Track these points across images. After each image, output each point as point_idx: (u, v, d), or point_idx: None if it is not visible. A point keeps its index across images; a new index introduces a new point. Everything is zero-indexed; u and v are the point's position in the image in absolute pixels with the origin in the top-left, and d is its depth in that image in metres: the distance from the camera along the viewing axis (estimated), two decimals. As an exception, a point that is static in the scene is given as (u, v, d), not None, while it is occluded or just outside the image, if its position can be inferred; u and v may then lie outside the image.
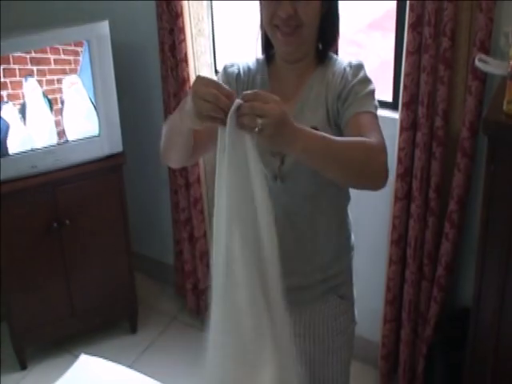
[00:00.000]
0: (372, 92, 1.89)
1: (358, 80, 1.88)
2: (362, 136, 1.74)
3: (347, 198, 2.11)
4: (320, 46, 1.97)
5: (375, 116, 1.87)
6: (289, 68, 1.97)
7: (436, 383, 2.92)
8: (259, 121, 1.49)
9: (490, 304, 2.36)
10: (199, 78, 1.59)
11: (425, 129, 2.66)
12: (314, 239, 2.07)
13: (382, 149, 1.75)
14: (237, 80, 1.99)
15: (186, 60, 3.20)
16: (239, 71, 2.01)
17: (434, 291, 2.91)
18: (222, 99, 1.53)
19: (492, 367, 2.42)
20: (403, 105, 2.68)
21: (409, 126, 2.70)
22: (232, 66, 2.03)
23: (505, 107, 2.12)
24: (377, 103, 1.90)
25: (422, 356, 3.04)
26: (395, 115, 2.81)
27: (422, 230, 2.86)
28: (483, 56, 2.40)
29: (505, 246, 2.24)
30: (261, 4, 1.91)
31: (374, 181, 1.76)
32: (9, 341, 3.58)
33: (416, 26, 2.56)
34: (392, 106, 2.93)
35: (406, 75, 2.63)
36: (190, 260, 3.71)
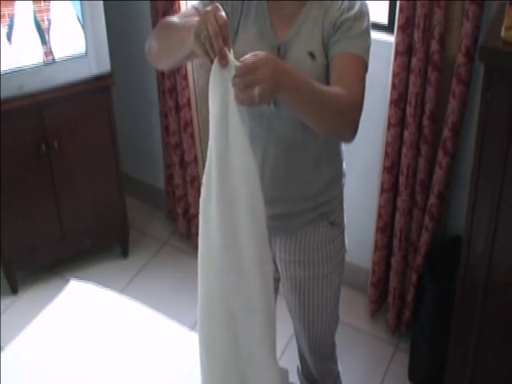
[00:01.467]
0: (365, 30, 1.84)
1: (354, 14, 1.83)
2: (341, 84, 1.75)
3: None
4: None
5: (362, 61, 1.84)
6: None
7: (426, 312, 2.92)
8: (256, 91, 1.51)
9: (482, 232, 2.32)
10: (216, 8, 1.56)
11: (420, 53, 2.58)
12: (306, 167, 2.05)
13: (356, 107, 1.77)
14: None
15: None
16: None
17: (426, 220, 2.88)
18: (218, 41, 1.53)
19: (483, 296, 2.40)
20: (398, 28, 2.60)
21: (404, 51, 2.62)
22: None
23: (503, 33, 2.03)
24: (369, 42, 1.86)
25: (412, 284, 3.03)
26: (390, 38, 2.73)
27: (414, 158, 2.81)
28: (482, -22, 2.31)
29: (498, 174, 2.19)
30: None
31: (342, 136, 1.84)
32: (-1, 265, 3.58)
33: None
34: (387, 28, 2.84)
35: (401, -1, 2.55)
36: (181, 184, 3.68)
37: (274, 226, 2.02)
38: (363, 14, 1.85)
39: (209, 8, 1.56)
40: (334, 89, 1.74)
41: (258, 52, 1.54)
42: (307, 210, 2.11)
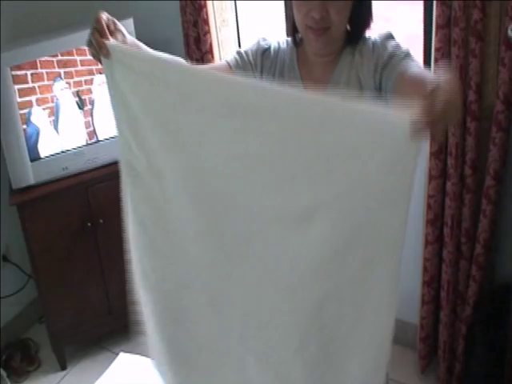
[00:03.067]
0: (409, 53, 1.86)
1: (392, 47, 1.86)
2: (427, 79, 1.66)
3: None
4: (349, 28, 1.93)
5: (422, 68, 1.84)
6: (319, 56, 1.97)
7: (477, 364, 2.90)
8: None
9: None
10: (99, 15, 1.70)
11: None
12: None
13: None
14: (263, 54, 2.00)
15: (211, 51, 3.22)
16: (269, 47, 2.01)
17: (473, 270, 2.88)
18: (95, 36, 1.66)
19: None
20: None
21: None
22: (264, 40, 2.04)
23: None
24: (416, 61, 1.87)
25: (462, 337, 3.02)
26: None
27: (458, 208, 2.84)
28: (516, 25, 2.39)
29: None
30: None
31: None
32: (48, 342, 3.61)
33: (445, -2, 2.55)
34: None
35: (436, 50, 2.62)
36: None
37: None
38: (399, 44, 1.87)
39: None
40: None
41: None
42: None
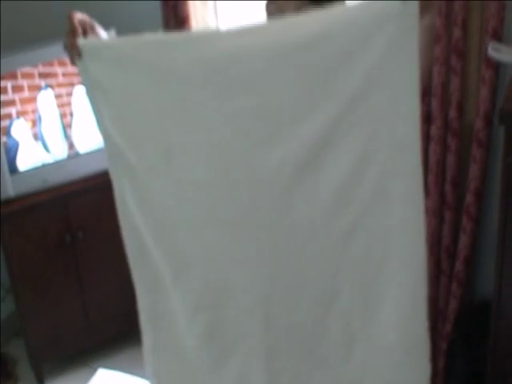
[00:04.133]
0: None
1: None
2: None
3: None
4: None
5: None
6: None
7: (457, 380, 2.90)
8: None
9: (510, 297, 2.34)
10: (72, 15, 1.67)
11: (439, 121, 2.66)
12: None
13: None
14: None
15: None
16: None
17: (453, 286, 2.89)
18: (68, 38, 1.64)
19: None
20: (416, 98, 2.68)
21: (423, 119, 2.68)
22: None
23: (522, 96, 2.12)
24: None
25: (443, 353, 3.01)
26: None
27: (438, 225, 2.84)
28: (496, 44, 2.40)
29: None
30: None
31: None
32: (25, 357, 3.58)
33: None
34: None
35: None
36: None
37: None
38: None
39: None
40: None
41: None
42: None
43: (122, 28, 3.26)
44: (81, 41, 1.64)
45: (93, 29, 1.69)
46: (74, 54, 1.65)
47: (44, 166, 3.23)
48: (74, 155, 3.28)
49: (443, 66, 2.58)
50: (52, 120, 3.18)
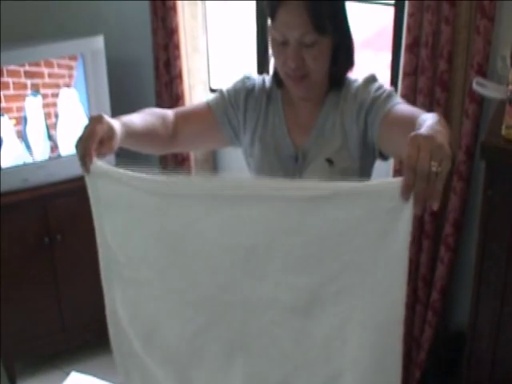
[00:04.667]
0: (391, 93, 1.80)
1: (374, 90, 1.80)
2: (415, 118, 1.58)
3: None
4: (334, 71, 1.87)
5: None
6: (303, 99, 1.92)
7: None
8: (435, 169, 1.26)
9: (485, 329, 2.33)
10: (98, 118, 1.60)
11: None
12: None
13: None
14: (247, 95, 1.95)
15: (180, 77, 3.19)
16: (254, 87, 1.96)
17: (429, 315, 2.87)
18: (84, 147, 1.57)
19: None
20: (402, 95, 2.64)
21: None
22: (248, 79, 1.98)
23: (503, 132, 2.09)
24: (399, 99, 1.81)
25: (416, 381, 2.99)
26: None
27: (416, 253, 2.82)
28: (481, 79, 2.38)
29: (501, 271, 2.21)
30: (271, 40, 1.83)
31: None
32: (-3, 356, 3.55)
33: (413, 47, 2.54)
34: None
35: (402, 96, 2.57)
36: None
37: None
38: (382, 86, 1.83)
39: (94, 116, 1.60)
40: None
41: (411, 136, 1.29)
42: None
43: (111, 36, 3.25)
44: (94, 163, 1.59)
45: (111, 139, 1.62)
46: (88, 161, 1.58)
47: (25, 166, 3.20)
48: (56, 157, 3.24)
49: (427, 98, 2.56)
50: (36, 120, 3.15)
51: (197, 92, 3.30)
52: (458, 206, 2.64)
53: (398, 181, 1.28)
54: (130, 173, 1.57)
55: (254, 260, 1.50)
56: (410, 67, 2.55)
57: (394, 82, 2.81)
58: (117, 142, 1.64)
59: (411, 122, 1.54)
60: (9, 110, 3.09)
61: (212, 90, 3.42)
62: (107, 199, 1.64)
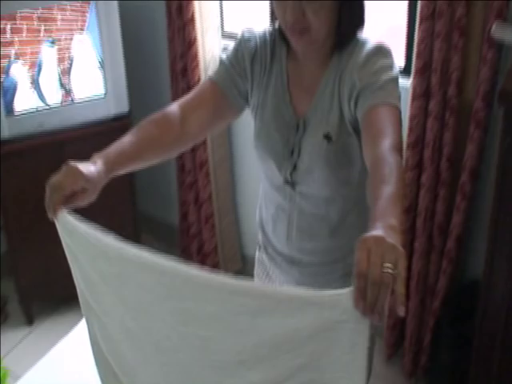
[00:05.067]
0: (392, 80, 1.68)
1: (374, 70, 1.68)
2: (376, 144, 1.53)
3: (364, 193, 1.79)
4: (340, 29, 1.74)
5: (395, 108, 1.64)
6: (306, 58, 1.82)
7: (443, 357, 2.88)
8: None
9: (500, 278, 2.31)
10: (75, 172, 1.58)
11: (438, 98, 2.57)
12: (332, 235, 1.95)
13: (400, 158, 1.51)
14: (252, 60, 1.85)
15: (192, 21, 3.14)
16: (256, 49, 1.85)
17: (444, 264, 2.84)
18: (53, 197, 1.58)
19: (501, 341, 2.37)
20: (416, 72, 2.60)
21: (421, 94, 2.62)
22: (249, 40, 1.86)
23: (523, 78, 2.05)
24: (399, 92, 1.70)
25: (429, 329, 2.99)
26: (407, 81, 2.72)
27: (432, 201, 2.79)
28: (500, 24, 2.31)
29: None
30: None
31: None
32: (16, 295, 3.61)
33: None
34: (404, 71, 2.83)
35: (419, 42, 2.54)
36: (195, 222, 3.68)
37: (301, 281, 2.00)
38: (388, 65, 1.70)
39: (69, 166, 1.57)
40: (392, 169, 1.44)
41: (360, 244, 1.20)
42: (335, 269, 2.00)
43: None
44: (59, 215, 1.58)
45: (84, 192, 1.61)
46: (51, 211, 1.58)
47: (40, 111, 3.21)
48: (69, 102, 3.24)
49: (444, 43, 2.49)
50: (49, 65, 3.14)
51: (209, 37, 3.25)
52: (475, 154, 2.59)
53: (349, 291, 1.18)
54: (91, 232, 1.53)
55: (210, 350, 1.44)
56: (426, 11, 2.47)
57: (410, 27, 2.75)
58: (92, 194, 1.63)
59: (375, 136, 1.54)
60: (22, 55, 3.07)
61: (225, 36, 3.39)
62: (74, 247, 1.62)
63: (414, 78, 2.61)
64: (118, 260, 1.48)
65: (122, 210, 3.51)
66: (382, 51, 1.72)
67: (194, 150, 3.44)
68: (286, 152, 1.84)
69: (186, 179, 3.60)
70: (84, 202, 1.61)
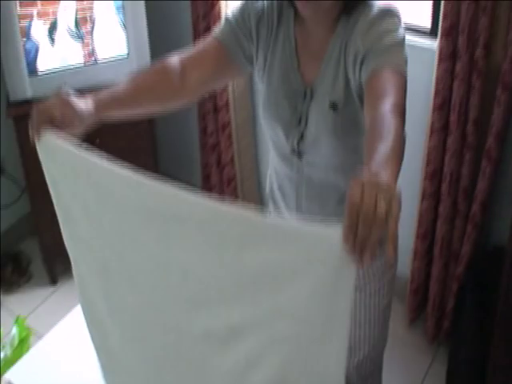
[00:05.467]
0: (397, 43, 1.63)
1: (379, 33, 1.63)
2: (377, 105, 1.49)
3: None
4: None
5: (399, 72, 1.59)
6: (313, 21, 1.76)
7: (466, 322, 2.86)
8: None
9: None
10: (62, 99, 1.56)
11: (465, 60, 2.52)
12: (342, 201, 1.89)
13: (400, 120, 1.47)
14: (258, 22, 1.80)
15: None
16: (263, 11, 1.80)
17: (468, 229, 2.81)
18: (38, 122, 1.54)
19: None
20: (442, 33, 2.53)
21: (448, 56, 2.56)
22: (257, 1, 1.81)
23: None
24: (405, 55, 1.64)
25: (453, 294, 2.97)
26: (434, 43, 2.67)
27: (458, 165, 2.74)
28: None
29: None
30: None
31: None
32: (40, 255, 3.65)
33: None
34: (430, 33, 2.78)
35: (446, 2, 2.48)
36: (218, 184, 3.68)
37: None
38: (393, 28, 1.65)
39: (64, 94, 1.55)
40: (390, 128, 1.41)
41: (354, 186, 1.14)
42: None
43: None
44: (45, 134, 1.54)
45: (69, 124, 1.58)
46: (34, 131, 1.55)
47: (63, 71, 3.20)
48: (92, 62, 3.23)
49: (472, 4, 2.42)
50: (71, 25, 3.12)
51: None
52: (502, 118, 2.54)
53: (338, 226, 1.13)
54: (76, 150, 1.50)
55: (189, 283, 1.41)
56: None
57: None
58: (76, 128, 1.61)
59: (376, 98, 1.50)
60: (45, 15, 3.06)
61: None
62: (56, 171, 1.61)
63: (441, 40, 2.55)
64: (101, 179, 1.46)
65: (145, 171, 3.50)
66: (387, 14, 1.67)
67: (216, 111, 3.42)
68: (294, 120, 1.81)
69: (208, 141, 3.57)
70: (67, 133, 1.57)
